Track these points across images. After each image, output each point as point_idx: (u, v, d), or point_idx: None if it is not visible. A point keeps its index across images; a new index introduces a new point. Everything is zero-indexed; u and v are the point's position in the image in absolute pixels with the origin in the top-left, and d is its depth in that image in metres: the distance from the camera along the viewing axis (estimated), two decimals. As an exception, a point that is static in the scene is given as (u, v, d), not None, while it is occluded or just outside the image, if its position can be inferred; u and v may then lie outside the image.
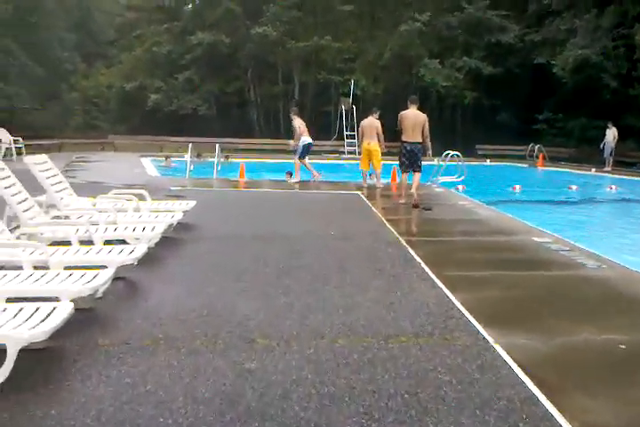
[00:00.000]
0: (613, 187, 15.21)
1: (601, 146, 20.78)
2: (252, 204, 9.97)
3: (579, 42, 23.50)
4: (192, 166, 13.60)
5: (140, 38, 32.71)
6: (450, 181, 13.69)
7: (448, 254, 6.41)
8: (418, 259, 6.00)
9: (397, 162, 10.16)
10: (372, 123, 11.88)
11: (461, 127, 29.47)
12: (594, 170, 20.50)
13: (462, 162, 13.63)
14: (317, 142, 26.96)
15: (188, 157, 13.93)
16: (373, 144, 11.78)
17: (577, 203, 13.36)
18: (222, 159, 17.40)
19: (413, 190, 9.83)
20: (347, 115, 25.68)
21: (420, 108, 10.04)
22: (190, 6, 32.79)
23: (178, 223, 6.75)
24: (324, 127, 29.37)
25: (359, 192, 11.51)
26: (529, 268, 5.80)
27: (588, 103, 24.78)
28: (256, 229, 7.48)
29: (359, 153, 12.91)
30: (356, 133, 11.70)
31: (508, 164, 23.58)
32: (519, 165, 23.31)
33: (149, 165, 17.71)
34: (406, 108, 9.89)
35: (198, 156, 19.62)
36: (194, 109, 29.36)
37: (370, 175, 12.43)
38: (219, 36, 28.84)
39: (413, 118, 9.68)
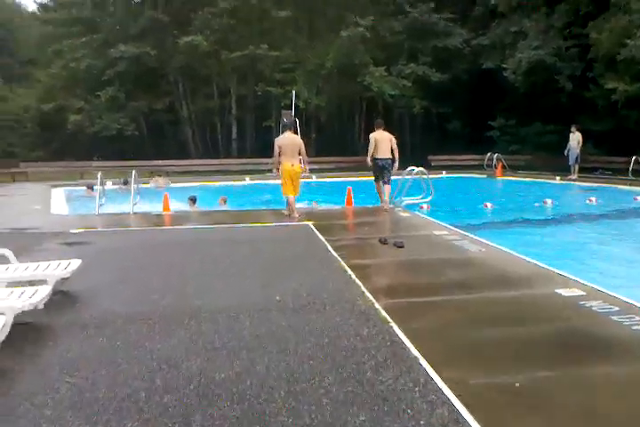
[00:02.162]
0: (593, 199, 13.43)
1: (565, 152, 19.23)
2: (169, 252, 7.32)
3: (530, 43, 22.13)
4: (104, 200, 11.03)
5: (59, 54, 29.65)
6: (417, 202, 11.63)
7: (455, 333, 4.19)
8: (413, 350, 3.82)
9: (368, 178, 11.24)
10: (293, 140, 9.95)
11: (411, 138, 27.80)
12: (558, 178, 18.99)
13: (429, 178, 11.56)
14: (260, 161, 24.82)
15: (98, 186, 11.40)
16: (297, 165, 9.85)
17: (561, 222, 11.46)
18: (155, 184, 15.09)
19: (386, 205, 10.67)
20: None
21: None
22: (111, 17, 29.92)
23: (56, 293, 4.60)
24: (265, 144, 27.23)
25: (309, 223, 9.34)
26: (595, 360, 3.67)
27: (542, 107, 23.52)
28: (163, 299, 5.07)
29: (275, 173, 10.74)
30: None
31: (466, 175, 21.90)
32: (477, 176, 21.64)
33: (60, 198, 14.97)
34: (372, 129, 11.08)
35: (125, 183, 17.15)
36: (119, 130, 26.50)
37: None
38: (143, 47, 26.26)
39: (380, 138, 10.67)
